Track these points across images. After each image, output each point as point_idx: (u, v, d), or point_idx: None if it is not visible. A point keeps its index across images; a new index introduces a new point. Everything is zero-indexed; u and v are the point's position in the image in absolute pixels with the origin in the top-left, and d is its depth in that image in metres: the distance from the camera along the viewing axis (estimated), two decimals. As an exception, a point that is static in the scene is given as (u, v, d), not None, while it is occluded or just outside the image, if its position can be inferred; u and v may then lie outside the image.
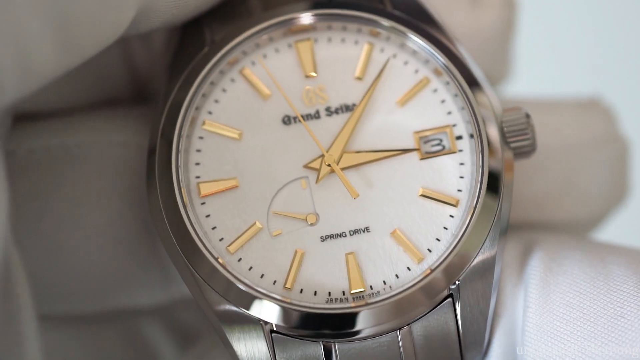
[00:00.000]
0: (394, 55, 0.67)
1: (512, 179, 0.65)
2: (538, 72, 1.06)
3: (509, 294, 0.65)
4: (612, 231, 0.85)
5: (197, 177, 0.65)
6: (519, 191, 0.74)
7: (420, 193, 0.65)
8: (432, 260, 0.63)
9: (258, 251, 0.64)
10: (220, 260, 0.63)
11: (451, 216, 0.64)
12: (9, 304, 0.56)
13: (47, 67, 0.55)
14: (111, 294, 0.70)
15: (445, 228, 0.64)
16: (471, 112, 0.65)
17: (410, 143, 0.66)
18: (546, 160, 0.74)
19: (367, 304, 0.61)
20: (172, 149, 0.64)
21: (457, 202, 0.64)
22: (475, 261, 0.63)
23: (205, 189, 0.65)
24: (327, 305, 0.62)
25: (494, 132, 0.65)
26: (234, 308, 0.62)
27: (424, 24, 0.67)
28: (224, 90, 0.67)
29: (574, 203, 0.76)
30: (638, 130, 0.85)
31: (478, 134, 0.65)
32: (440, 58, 0.66)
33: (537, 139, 0.67)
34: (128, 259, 0.69)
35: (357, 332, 0.62)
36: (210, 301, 0.62)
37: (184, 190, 0.64)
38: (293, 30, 0.67)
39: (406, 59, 0.67)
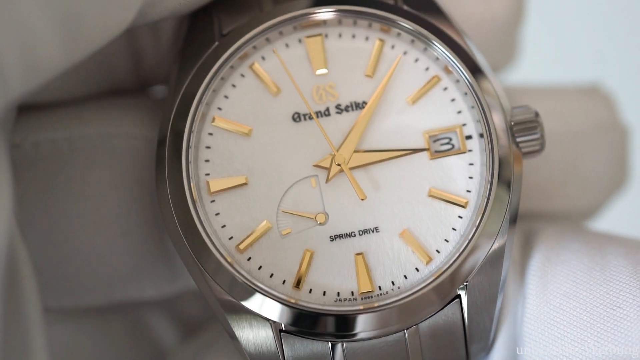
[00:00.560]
0: (405, 53, 0.67)
1: (521, 173, 0.65)
2: (539, 59, 1.06)
3: (510, 285, 0.65)
4: (611, 219, 0.85)
5: (207, 174, 0.64)
6: (524, 180, 0.73)
7: (429, 193, 0.65)
8: (440, 261, 0.64)
9: (267, 250, 0.64)
10: (229, 259, 0.62)
11: (460, 217, 0.64)
12: (15, 297, 0.56)
13: (52, 63, 0.54)
14: (117, 287, 0.69)
15: (453, 229, 0.64)
16: (481, 111, 0.65)
17: (421, 142, 0.65)
18: (550, 146, 0.74)
19: (375, 307, 0.62)
20: (183, 145, 0.63)
21: (466, 203, 0.64)
22: (484, 261, 0.63)
23: (215, 186, 0.64)
24: (335, 306, 0.62)
25: (502, 131, 0.65)
26: (242, 305, 0.62)
27: (434, 19, 0.66)
28: (233, 86, 0.66)
29: (577, 189, 0.76)
30: (637, 117, 0.85)
31: (488, 134, 0.64)
32: (450, 56, 0.65)
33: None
34: (135, 252, 0.69)
35: (365, 333, 0.62)
36: (218, 297, 0.62)
37: (193, 187, 0.63)
38: (304, 25, 0.66)
39: (417, 56, 0.67)
